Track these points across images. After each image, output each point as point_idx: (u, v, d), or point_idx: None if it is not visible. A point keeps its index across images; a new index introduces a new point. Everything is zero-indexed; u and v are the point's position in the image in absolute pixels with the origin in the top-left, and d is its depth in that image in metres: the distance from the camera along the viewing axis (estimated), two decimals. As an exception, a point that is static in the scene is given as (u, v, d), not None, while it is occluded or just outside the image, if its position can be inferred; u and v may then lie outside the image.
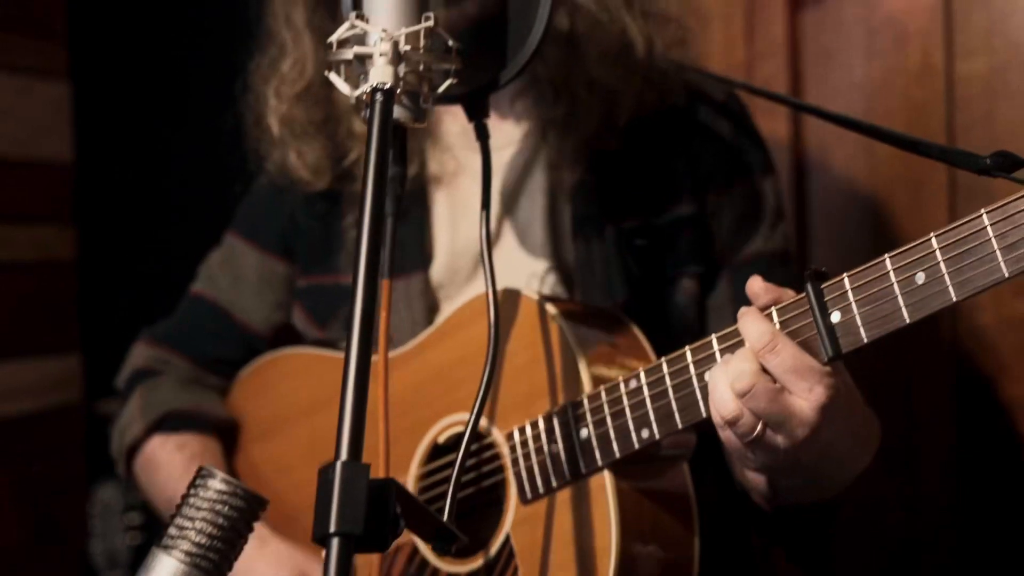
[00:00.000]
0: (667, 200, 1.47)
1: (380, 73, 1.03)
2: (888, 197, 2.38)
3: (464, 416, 1.28)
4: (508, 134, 1.47)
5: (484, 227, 1.23)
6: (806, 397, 1.05)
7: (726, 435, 1.10)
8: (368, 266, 0.95)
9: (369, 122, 1.01)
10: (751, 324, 1.09)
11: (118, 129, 2.85)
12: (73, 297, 2.80)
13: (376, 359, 1.39)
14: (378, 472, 0.89)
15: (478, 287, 1.43)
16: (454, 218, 1.48)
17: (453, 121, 1.48)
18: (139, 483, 1.64)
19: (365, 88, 1.05)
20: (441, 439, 1.37)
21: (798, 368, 1.05)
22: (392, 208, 1.13)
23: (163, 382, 1.64)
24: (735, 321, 1.13)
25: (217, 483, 0.89)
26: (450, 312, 1.39)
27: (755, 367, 1.06)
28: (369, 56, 1.05)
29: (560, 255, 1.45)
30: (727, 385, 1.06)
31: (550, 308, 1.29)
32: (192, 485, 0.90)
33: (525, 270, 1.44)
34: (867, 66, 2.41)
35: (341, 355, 1.45)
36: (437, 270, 1.47)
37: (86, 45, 2.84)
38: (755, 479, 1.23)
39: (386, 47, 1.05)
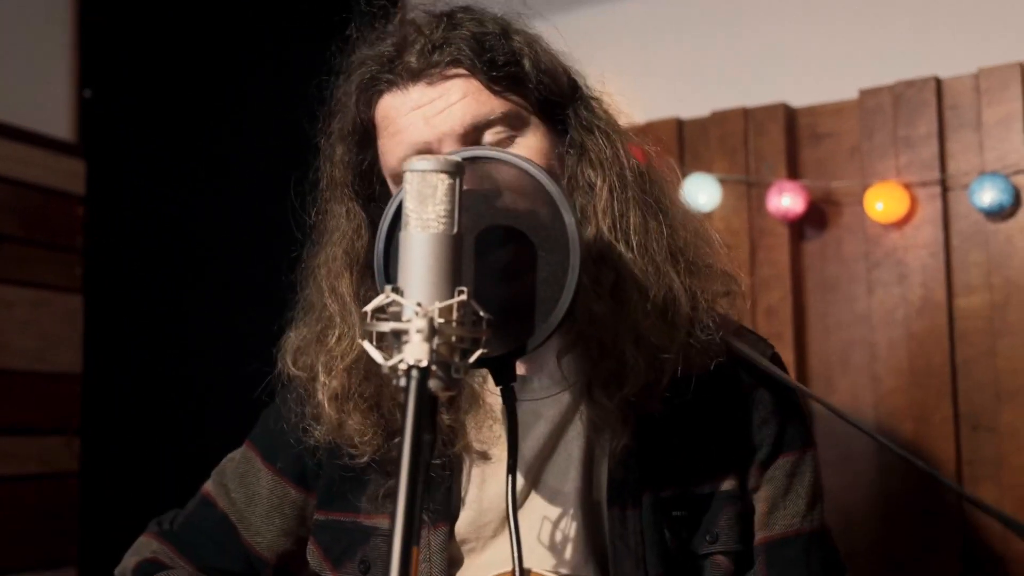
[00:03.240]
0: (707, 471, 1.42)
1: (416, 351, 1.04)
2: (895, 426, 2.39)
3: None
4: (547, 389, 1.43)
5: (510, 494, 1.22)
6: None
7: None
8: (404, 537, 0.95)
9: (405, 399, 1.03)
10: None
11: (124, 341, 2.90)
12: (75, 510, 2.78)
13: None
14: None
15: (504, 543, 1.39)
16: (484, 472, 1.44)
17: (494, 392, 1.44)
18: None
19: (398, 363, 1.06)
20: None
21: None
22: (423, 475, 1.13)
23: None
24: None
25: None
26: None
27: None
28: (405, 332, 1.07)
29: (593, 522, 1.40)
30: None
31: None
32: None
33: (555, 534, 1.40)
34: (869, 298, 2.47)
35: None
36: (463, 524, 1.43)
37: (99, 259, 2.90)
38: None
39: (422, 323, 1.06)
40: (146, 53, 3.03)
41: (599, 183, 1.41)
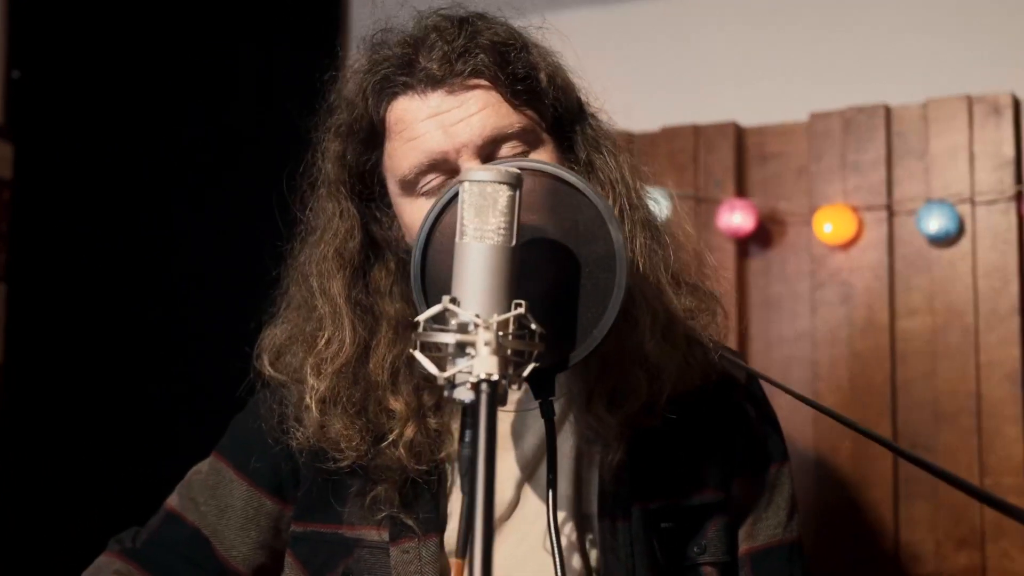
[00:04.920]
0: (695, 483, 1.44)
1: (485, 363, 1.04)
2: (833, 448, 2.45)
3: None
4: (535, 400, 1.40)
5: (551, 509, 1.22)
6: None
7: None
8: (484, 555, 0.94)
9: (474, 412, 1.01)
10: None
11: (49, 332, 2.80)
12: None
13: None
14: None
15: (495, 554, 1.40)
16: None
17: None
18: None
19: (458, 374, 1.04)
20: None
21: None
22: (466, 487, 1.13)
23: None
24: None
25: None
26: None
27: None
28: (471, 344, 1.06)
29: (582, 531, 1.40)
30: None
31: None
32: None
33: (543, 542, 1.40)
34: (813, 317, 2.53)
35: None
36: (451, 535, 1.41)
37: (26, 247, 2.80)
38: None
39: (489, 336, 1.05)
40: (78, 33, 2.92)
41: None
